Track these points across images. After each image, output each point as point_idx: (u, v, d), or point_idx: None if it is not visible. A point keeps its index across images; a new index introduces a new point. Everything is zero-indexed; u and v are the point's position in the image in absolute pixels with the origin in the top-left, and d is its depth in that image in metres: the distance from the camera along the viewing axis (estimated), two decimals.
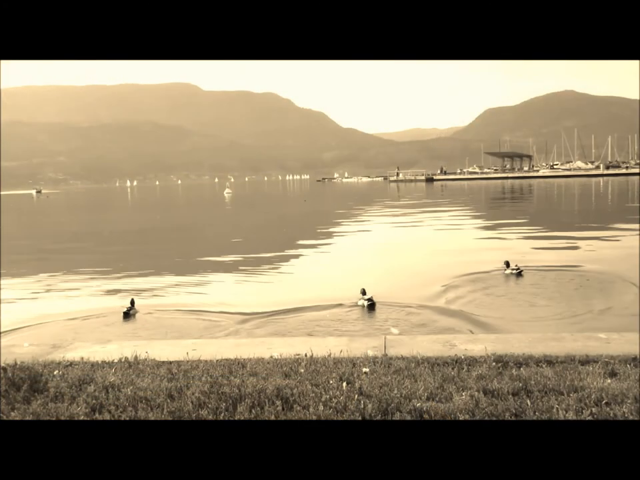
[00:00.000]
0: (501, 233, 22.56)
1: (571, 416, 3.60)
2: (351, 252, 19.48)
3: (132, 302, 10.64)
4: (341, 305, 10.44)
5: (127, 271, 16.24)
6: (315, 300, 10.90)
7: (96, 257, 20.44)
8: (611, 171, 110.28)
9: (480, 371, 4.65)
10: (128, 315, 10.30)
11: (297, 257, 18.73)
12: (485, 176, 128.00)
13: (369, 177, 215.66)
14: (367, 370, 4.77)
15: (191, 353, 5.69)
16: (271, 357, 5.50)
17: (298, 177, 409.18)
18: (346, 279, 13.45)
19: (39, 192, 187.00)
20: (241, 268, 16.08)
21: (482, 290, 11.62)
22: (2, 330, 9.14)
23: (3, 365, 4.87)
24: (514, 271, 13.00)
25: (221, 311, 10.47)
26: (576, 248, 17.50)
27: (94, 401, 4.11)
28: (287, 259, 18.12)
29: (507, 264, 13.16)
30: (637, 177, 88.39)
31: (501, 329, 8.48)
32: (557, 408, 3.73)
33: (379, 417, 3.72)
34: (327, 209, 48.01)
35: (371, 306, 10.05)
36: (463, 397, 4.00)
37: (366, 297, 10.17)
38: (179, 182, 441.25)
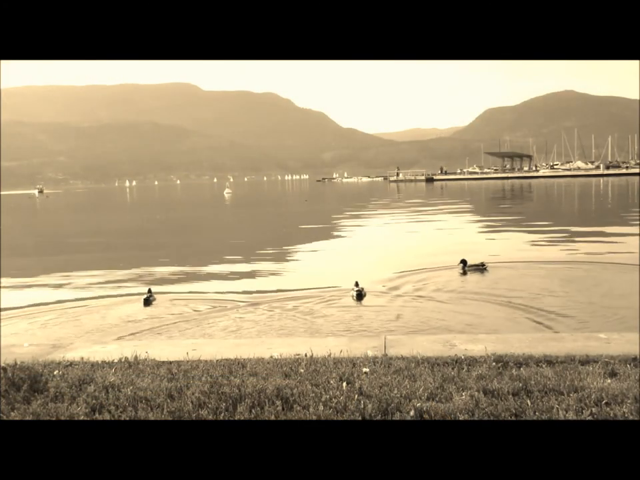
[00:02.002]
0: (501, 231, 22.64)
1: (571, 416, 3.60)
2: (352, 248, 20.06)
3: (149, 290, 11.43)
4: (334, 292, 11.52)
5: (137, 266, 16.78)
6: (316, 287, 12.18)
7: (107, 253, 20.88)
8: (611, 171, 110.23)
9: (480, 371, 4.65)
10: (148, 301, 11.09)
11: (303, 251, 19.38)
12: (484, 176, 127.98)
13: (369, 176, 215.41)
14: (367, 370, 4.77)
15: (191, 353, 5.69)
16: (271, 356, 5.50)
17: (297, 176, 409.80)
18: (344, 271, 14.32)
19: (41, 192, 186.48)
20: (245, 263, 16.64)
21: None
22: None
23: (3, 365, 4.87)
24: (480, 267, 13.01)
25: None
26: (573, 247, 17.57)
27: (94, 401, 4.11)
28: (292, 254, 18.65)
29: (464, 262, 13.14)
30: (637, 176, 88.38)
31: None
32: (557, 408, 3.73)
33: (379, 417, 3.72)
34: (328, 208, 48.05)
35: (359, 296, 10.81)
36: (463, 397, 4.00)
37: (356, 288, 10.93)
38: (178, 182, 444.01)
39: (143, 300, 11.16)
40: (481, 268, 13.04)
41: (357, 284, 11.06)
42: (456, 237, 21.44)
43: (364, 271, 14.05)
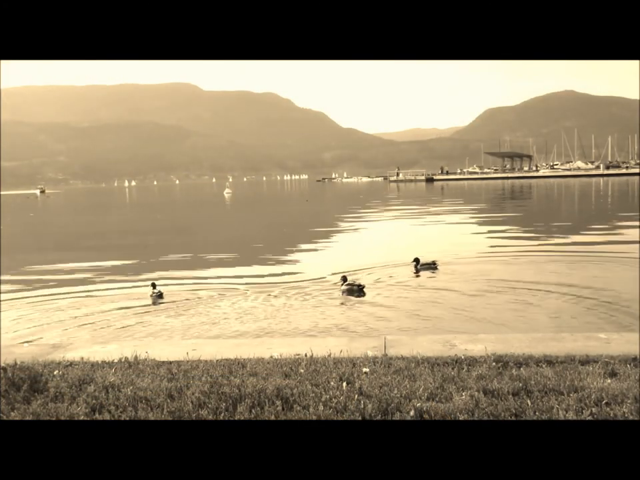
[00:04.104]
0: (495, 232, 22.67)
1: (571, 416, 3.60)
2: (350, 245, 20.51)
3: (153, 285, 11.62)
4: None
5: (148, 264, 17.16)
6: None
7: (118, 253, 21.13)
8: (611, 171, 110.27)
9: (480, 371, 4.65)
10: (161, 295, 11.41)
11: (307, 247, 19.98)
12: (484, 176, 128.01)
13: (369, 176, 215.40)
14: (367, 370, 4.77)
15: (191, 353, 5.69)
16: (271, 356, 5.50)
17: (297, 177, 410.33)
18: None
19: (42, 192, 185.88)
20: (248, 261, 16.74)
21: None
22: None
23: (3, 364, 4.87)
24: (432, 266, 13.47)
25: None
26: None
27: (94, 401, 4.11)
28: (286, 250, 18.93)
29: (417, 260, 13.50)
30: (637, 177, 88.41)
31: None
32: (557, 408, 3.73)
33: (379, 417, 3.72)
34: (330, 208, 48.12)
35: (361, 290, 11.25)
36: (463, 397, 4.00)
37: (356, 283, 11.37)
38: (177, 182, 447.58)
39: (153, 297, 11.35)
40: (432, 266, 13.50)
41: (344, 278, 11.37)
42: (434, 235, 22.27)
43: (329, 263, 14.97)
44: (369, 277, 12.98)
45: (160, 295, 11.42)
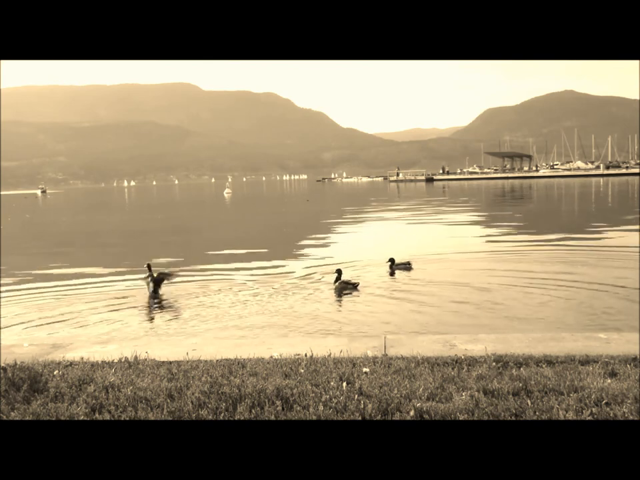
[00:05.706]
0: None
1: (571, 416, 3.60)
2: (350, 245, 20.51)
3: (149, 267, 11.29)
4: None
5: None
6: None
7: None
8: (611, 171, 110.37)
9: (480, 371, 4.65)
10: (158, 281, 11.19)
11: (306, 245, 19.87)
12: (484, 176, 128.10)
13: (368, 176, 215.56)
14: (367, 370, 4.77)
15: (190, 353, 5.69)
16: (271, 357, 5.50)
17: (296, 177, 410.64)
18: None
19: (43, 192, 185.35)
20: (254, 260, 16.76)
21: None
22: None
23: (3, 364, 4.87)
24: (407, 266, 13.51)
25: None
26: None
27: (94, 401, 4.11)
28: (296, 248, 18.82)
29: (392, 260, 13.53)
30: (637, 177, 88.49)
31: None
32: (557, 408, 3.73)
33: (379, 417, 3.73)
34: (329, 208, 48.19)
35: (355, 288, 11.37)
36: (463, 397, 4.00)
37: (351, 282, 11.52)
38: (176, 182, 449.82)
39: (148, 282, 11.19)
40: (407, 266, 13.56)
41: (339, 273, 11.47)
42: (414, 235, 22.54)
43: (325, 262, 15.34)
44: (347, 273, 13.06)
45: (157, 281, 11.16)
